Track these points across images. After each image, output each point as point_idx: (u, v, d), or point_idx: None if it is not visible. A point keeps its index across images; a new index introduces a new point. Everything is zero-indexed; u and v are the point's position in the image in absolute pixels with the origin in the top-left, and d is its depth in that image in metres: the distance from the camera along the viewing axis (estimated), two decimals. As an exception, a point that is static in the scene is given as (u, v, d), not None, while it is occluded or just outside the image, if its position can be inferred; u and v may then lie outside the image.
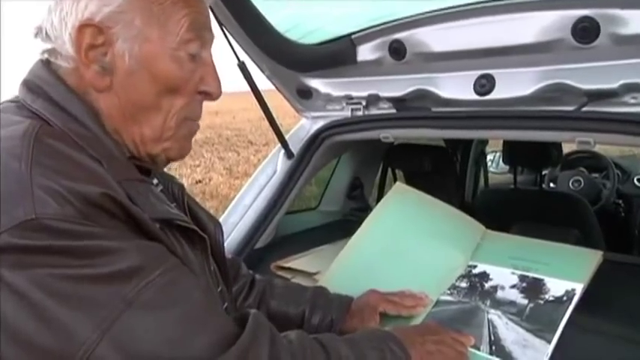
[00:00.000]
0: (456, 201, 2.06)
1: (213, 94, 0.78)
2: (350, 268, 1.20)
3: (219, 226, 0.89)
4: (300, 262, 1.38)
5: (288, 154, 1.58)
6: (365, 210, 1.98)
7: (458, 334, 0.93)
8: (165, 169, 0.87)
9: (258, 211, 1.53)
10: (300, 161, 1.58)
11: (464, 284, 1.12)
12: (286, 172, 1.57)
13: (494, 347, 0.93)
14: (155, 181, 0.84)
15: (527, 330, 0.94)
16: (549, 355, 0.88)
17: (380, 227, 1.26)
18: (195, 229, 0.77)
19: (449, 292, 1.10)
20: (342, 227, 1.58)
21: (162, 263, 0.65)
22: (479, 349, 0.93)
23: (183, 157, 0.79)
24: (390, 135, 1.46)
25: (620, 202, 2.87)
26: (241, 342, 0.65)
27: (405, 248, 1.20)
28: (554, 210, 2.06)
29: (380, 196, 2.26)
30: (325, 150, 1.59)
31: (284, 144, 1.58)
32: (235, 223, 1.51)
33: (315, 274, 1.28)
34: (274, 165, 1.59)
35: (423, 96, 1.39)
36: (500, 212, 1.87)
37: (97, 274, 0.59)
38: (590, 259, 1.09)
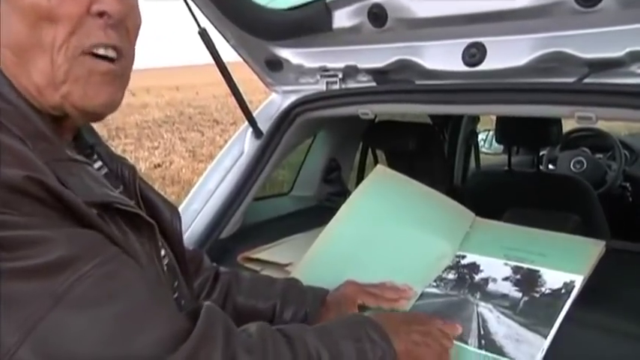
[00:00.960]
0: (443, 185, 2.07)
1: (110, 11, 0.71)
2: (325, 258, 1.21)
3: (176, 213, 0.88)
4: (270, 252, 1.38)
5: (257, 132, 1.58)
6: (342, 195, 2.00)
7: (444, 323, 0.95)
8: (119, 152, 0.85)
9: (223, 197, 1.53)
10: (270, 141, 1.57)
11: (451, 276, 1.13)
12: (254, 153, 1.57)
13: (483, 341, 0.94)
14: (99, 163, 0.83)
15: (521, 324, 0.96)
16: (545, 350, 0.90)
17: (359, 214, 1.26)
18: (140, 213, 0.75)
19: (435, 284, 1.12)
20: (317, 214, 1.58)
21: (99, 254, 0.63)
22: (467, 343, 0.95)
23: (98, 105, 0.73)
24: (369, 111, 1.46)
25: (628, 185, 2.91)
26: (191, 339, 0.64)
27: (386, 237, 1.21)
28: (553, 194, 2.09)
29: (359, 179, 2.27)
30: (298, 128, 1.59)
31: (252, 122, 1.57)
32: (197, 210, 1.51)
33: (286, 265, 1.29)
34: (241, 145, 1.59)
35: (406, 67, 1.39)
36: (492, 197, 1.90)
37: (22, 267, 0.58)
38: (591, 249, 1.11)
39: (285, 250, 1.41)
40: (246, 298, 1.06)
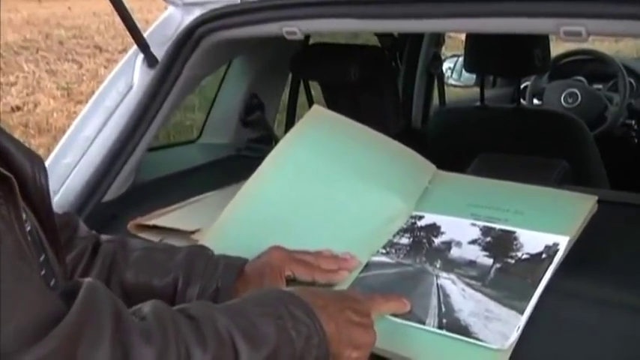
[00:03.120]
0: (397, 127, 2.10)
1: None
2: (245, 221, 1.23)
3: (40, 164, 0.87)
4: (171, 217, 1.38)
5: (149, 60, 1.56)
6: (267, 142, 2.02)
7: (386, 300, 0.99)
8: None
9: (107, 147, 1.52)
10: (168, 71, 1.56)
11: (405, 241, 1.16)
12: (147, 87, 1.56)
13: (444, 320, 0.98)
14: None
15: (492, 298, 1.00)
16: (521, 328, 0.94)
17: (289, 166, 1.28)
18: None
19: (384, 251, 1.15)
20: (235, 166, 1.60)
21: None
22: (423, 323, 0.98)
23: None
24: (297, 29, 1.46)
25: (633, 123, 3.00)
26: (63, 326, 0.64)
27: (323, 194, 1.23)
28: (538, 136, 2.15)
29: (289, 122, 2.28)
30: (204, 54, 1.59)
31: (142, 45, 1.55)
32: (72, 165, 1.50)
33: (193, 232, 1.29)
34: (129, 78, 1.58)
35: (345, -30, 1.39)
36: (460, 141, 1.95)
37: None
38: (580, 205, 1.15)
39: (191, 213, 1.41)
40: (138, 274, 1.07)
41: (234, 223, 1.24)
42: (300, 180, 1.26)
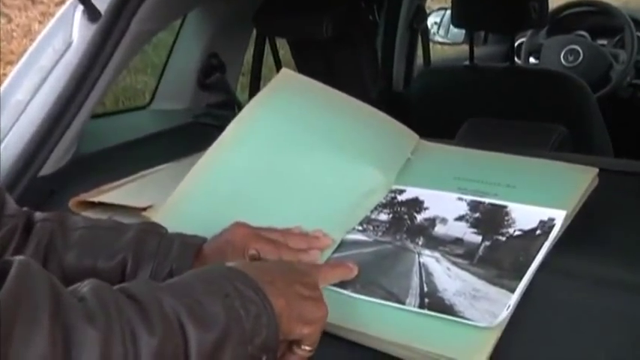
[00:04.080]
0: (375, 90, 2.11)
1: None
2: (204, 196, 1.24)
3: None
4: (119, 193, 1.38)
5: (91, 12, 1.55)
6: (230, 107, 2.03)
7: (331, 266, 1.05)
8: None
9: (43, 113, 1.51)
10: (112, 25, 1.55)
11: (384, 216, 1.18)
12: (89, 44, 1.54)
13: (427, 300, 1.00)
14: None
15: (480, 277, 1.02)
16: (511, 307, 0.95)
17: (254, 134, 1.29)
18: None
19: (360, 228, 1.17)
20: (192, 135, 1.60)
21: None
22: (403, 303, 1.00)
23: None
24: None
25: (642, 83, 3.02)
26: None
27: (292, 166, 1.25)
28: (533, 98, 2.16)
29: (254, 85, 2.29)
30: (155, 5, 1.58)
31: (82, -5, 1.54)
32: (2, 133, 1.49)
33: (145, 209, 1.29)
34: (67, 33, 1.57)
35: None
36: (446, 106, 1.96)
37: None
38: (578, 177, 1.18)
39: (142, 188, 1.41)
40: (80, 255, 1.07)
41: (191, 198, 1.24)
42: (267, 150, 1.27)
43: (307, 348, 0.91)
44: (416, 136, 1.37)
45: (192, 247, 1.08)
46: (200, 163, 1.27)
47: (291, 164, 1.25)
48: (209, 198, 1.24)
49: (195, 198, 1.24)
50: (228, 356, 0.80)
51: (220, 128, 1.29)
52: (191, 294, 0.81)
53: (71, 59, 1.55)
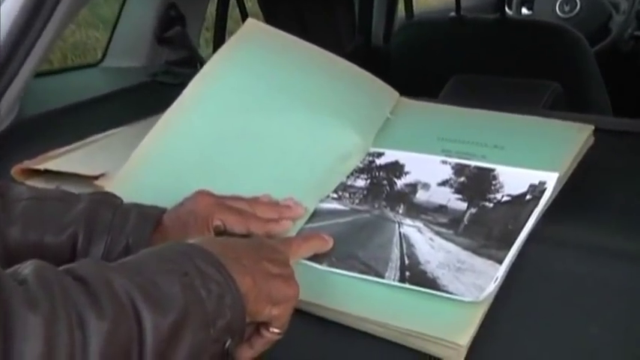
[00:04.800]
0: (352, 44, 2.11)
1: None
2: (163, 162, 1.24)
3: None
4: (69, 159, 1.38)
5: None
6: (191, 64, 2.01)
7: (303, 239, 1.05)
8: None
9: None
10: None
11: (361, 182, 1.19)
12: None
13: (408, 273, 1.00)
14: None
15: (465, 248, 1.03)
16: (499, 279, 0.96)
17: (218, 93, 1.29)
18: None
19: (335, 195, 1.18)
20: (150, 95, 1.59)
21: None
22: (382, 277, 1.01)
23: None
24: None
25: (644, 36, 3.02)
26: None
27: (260, 127, 1.25)
28: (525, 53, 2.17)
29: (218, 39, 2.27)
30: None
31: None
32: None
33: (97, 178, 1.29)
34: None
35: None
36: (430, 61, 1.96)
37: None
38: (572, 136, 1.19)
39: (94, 154, 1.41)
40: (25, 230, 1.05)
41: (149, 165, 1.24)
42: (232, 111, 1.28)
43: (276, 330, 0.92)
44: (396, 94, 1.37)
45: (150, 219, 1.07)
46: (158, 126, 1.26)
47: (258, 126, 1.25)
48: (169, 164, 1.24)
49: (153, 164, 1.24)
50: (189, 340, 0.79)
51: (181, 87, 1.29)
52: (146, 273, 0.80)
53: (9, 8, 1.52)
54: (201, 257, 0.85)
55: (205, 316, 0.81)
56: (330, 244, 1.06)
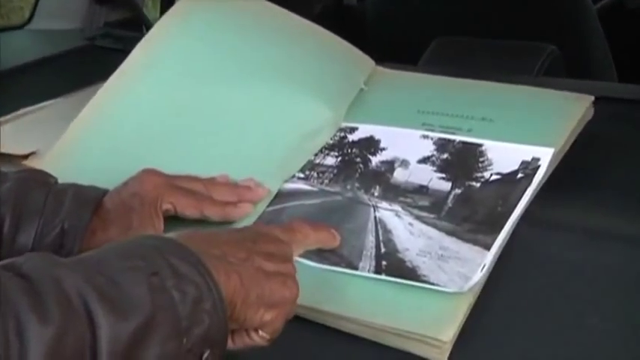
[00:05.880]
0: (320, 4, 2.11)
1: None
2: (104, 137, 1.25)
3: None
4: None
5: None
6: (135, 27, 2.02)
7: (313, 228, 1.02)
8: None
9: None
10: None
11: (331, 161, 1.21)
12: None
13: (384, 263, 1.01)
14: None
15: (449, 233, 1.04)
16: (486, 267, 0.97)
17: (167, 60, 1.30)
18: None
19: (302, 175, 1.19)
20: (87, 62, 1.59)
21: None
22: (356, 269, 1.02)
23: None
24: None
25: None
26: None
27: (216, 99, 1.27)
28: (516, 10, 2.17)
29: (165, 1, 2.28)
30: None
31: None
32: None
33: (26, 157, 1.30)
34: None
35: None
36: (410, 23, 1.95)
37: None
38: (569, 107, 1.21)
39: (23, 129, 1.42)
40: None
41: (87, 141, 1.25)
42: (184, 80, 1.28)
43: (266, 336, 0.89)
44: (371, 62, 1.39)
45: (89, 201, 1.07)
46: (98, 97, 1.27)
47: (214, 97, 1.26)
48: (110, 140, 1.24)
49: (92, 140, 1.25)
50: (155, 351, 0.74)
51: (123, 53, 1.30)
52: (105, 271, 0.76)
53: None
54: (176, 254, 0.81)
55: (177, 322, 0.76)
56: (338, 240, 1.04)
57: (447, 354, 0.92)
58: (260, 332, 0.89)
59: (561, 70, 1.64)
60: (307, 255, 1.04)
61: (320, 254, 1.04)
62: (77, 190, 1.09)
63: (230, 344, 0.88)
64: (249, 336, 0.89)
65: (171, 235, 0.87)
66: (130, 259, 0.79)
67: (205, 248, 0.85)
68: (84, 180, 1.12)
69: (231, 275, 0.84)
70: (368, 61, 1.39)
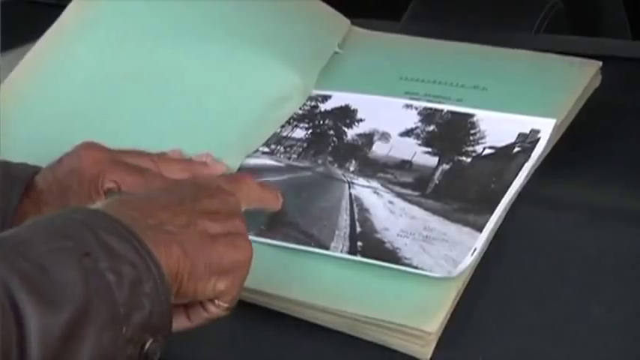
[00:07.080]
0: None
1: None
2: (36, 105, 1.27)
3: None
4: None
5: None
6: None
7: (260, 186, 1.04)
8: None
9: None
10: None
11: (301, 133, 1.23)
12: None
13: (360, 243, 1.03)
14: None
15: (436, 212, 1.06)
16: (478, 250, 0.99)
17: (110, 17, 1.32)
18: None
19: (268, 149, 1.21)
20: (15, 19, 1.60)
21: None
22: (327, 248, 1.03)
23: None
24: None
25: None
26: None
27: (168, 62, 1.28)
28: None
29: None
30: None
31: None
32: None
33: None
34: None
35: None
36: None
37: None
38: (574, 73, 1.22)
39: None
40: None
41: (16, 110, 1.26)
42: (129, 40, 1.30)
43: (224, 305, 0.90)
44: (346, 21, 1.39)
45: (18, 181, 1.08)
46: (29, 59, 1.29)
47: (164, 60, 1.28)
48: (43, 109, 1.26)
49: (22, 109, 1.26)
50: (91, 342, 0.74)
51: (58, 8, 1.31)
52: (30, 255, 0.75)
53: None
54: (108, 229, 0.80)
55: (114, 309, 0.76)
56: (280, 204, 1.06)
57: (432, 348, 0.92)
58: (217, 302, 0.89)
59: (565, 26, 1.64)
60: (269, 233, 1.05)
61: (284, 232, 1.06)
62: (4, 167, 1.09)
63: (186, 322, 0.90)
64: (205, 309, 0.90)
65: (98, 206, 0.86)
66: (57, 239, 0.78)
67: (140, 218, 0.84)
68: (13, 156, 1.12)
69: (173, 247, 0.84)
70: (343, 20, 1.39)
